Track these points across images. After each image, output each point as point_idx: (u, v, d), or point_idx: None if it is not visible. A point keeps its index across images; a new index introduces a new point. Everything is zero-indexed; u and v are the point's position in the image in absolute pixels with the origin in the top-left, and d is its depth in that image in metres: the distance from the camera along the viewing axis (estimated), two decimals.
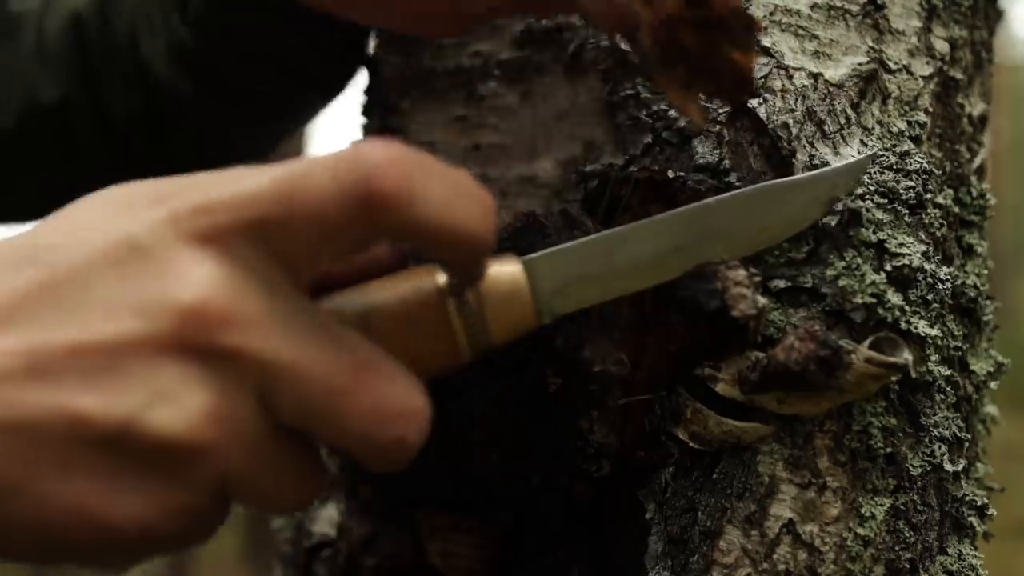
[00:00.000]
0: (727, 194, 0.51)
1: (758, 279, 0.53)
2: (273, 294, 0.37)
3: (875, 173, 0.57)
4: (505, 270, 0.45)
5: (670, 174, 0.58)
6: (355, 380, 0.38)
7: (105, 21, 0.76)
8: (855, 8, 0.61)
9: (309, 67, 0.71)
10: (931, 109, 0.62)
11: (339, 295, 0.43)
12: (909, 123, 0.61)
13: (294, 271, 0.38)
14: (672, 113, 0.59)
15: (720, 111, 0.58)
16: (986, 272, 0.64)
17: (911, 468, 0.55)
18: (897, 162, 0.58)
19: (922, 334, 0.55)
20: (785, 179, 0.53)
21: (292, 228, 0.36)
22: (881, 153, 0.57)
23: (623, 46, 0.60)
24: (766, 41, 0.59)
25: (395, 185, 0.36)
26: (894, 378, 0.54)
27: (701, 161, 0.58)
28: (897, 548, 0.54)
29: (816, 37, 0.60)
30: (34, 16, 0.79)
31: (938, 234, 0.59)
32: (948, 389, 0.57)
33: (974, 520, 0.58)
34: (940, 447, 0.56)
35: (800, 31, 0.59)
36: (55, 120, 0.77)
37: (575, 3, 0.50)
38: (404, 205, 0.36)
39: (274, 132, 0.81)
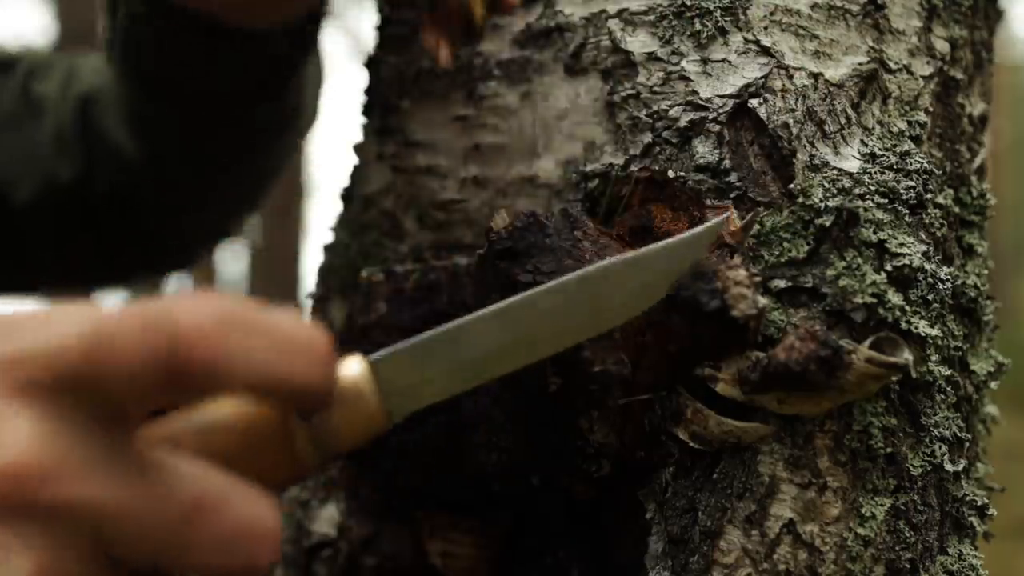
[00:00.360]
0: (567, 277, 0.49)
1: (758, 279, 0.53)
2: (95, 442, 0.35)
3: (876, 173, 0.57)
4: (350, 375, 0.43)
5: (670, 174, 0.58)
6: (193, 514, 0.36)
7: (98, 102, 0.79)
8: (855, 8, 0.61)
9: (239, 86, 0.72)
10: (931, 109, 0.62)
11: (177, 415, 0.41)
12: (909, 123, 0.61)
13: (118, 415, 0.36)
14: (672, 113, 0.59)
15: (720, 110, 0.58)
16: (986, 272, 0.64)
17: (911, 468, 0.55)
18: (897, 162, 0.58)
19: (922, 334, 0.55)
20: (626, 256, 0.51)
21: (102, 384, 0.34)
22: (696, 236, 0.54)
23: None
24: (766, 41, 0.59)
25: (204, 353, 0.35)
26: (894, 378, 0.54)
27: (701, 161, 0.58)
28: (897, 548, 0.54)
29: (816, 37, 0.60)
30: (54, 99, 0.82)
31: (938, 234, 0.59)
32: (948, 389, 0.57)
33: (974, 520, 0.58)
34: (940, 447, 0.56)
35: (800, 31, 0.59)
36: (72, 198, 0.80)
37: None
38: (219, 370, 0.35)
39: (241, 180, 0.82)
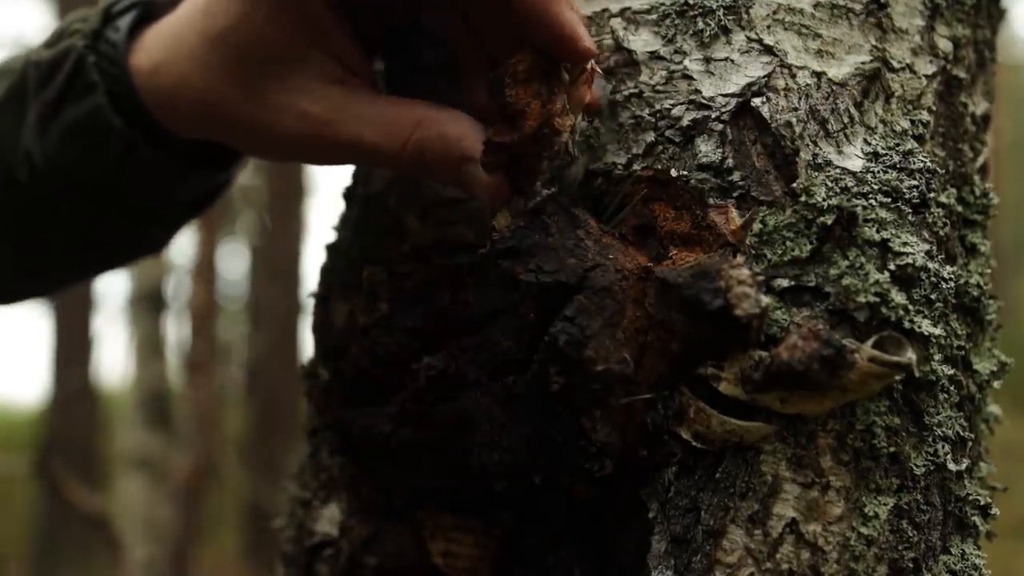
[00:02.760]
0: None
1: (761, 278, 0.53)
2: None
3: (878, 172, 0.57)
4: None
5: (673, 173, 0.58)
6: None
7: None
8: (858, 7, 0.60)
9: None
10: (934, 108, 0.62)
11: None
12: (912, 122, 0.61)
13: None
14: (675, 112, 0.59)
15: (723, 109, 0.58)
16: (989, 271, 0.63)
17: (914, 467, 0.55)
18: (900, 161, 0.58)
19: (925, 333, 0.55)
20: None
21: None
22: None
23: None
24: (769, 40, 0.59)
25: None
26: (897, 377, 0.54)
27: (704, 160, 0.58)
28: (900, 547, 0.54)
29: (819, 36, 0.60)
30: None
31: (941, 233, 0.59)
32: (951, 388, 0.57)
33: (977, 519, 0.58)
34: (943, 446, 0.56)
35: (803, 30, 0.59)
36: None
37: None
38: None
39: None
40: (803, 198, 0.56)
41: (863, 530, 0.54)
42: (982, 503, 0.58)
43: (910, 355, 0.53)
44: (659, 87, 0.60)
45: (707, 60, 0.59)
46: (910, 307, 0.54)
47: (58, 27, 0.67)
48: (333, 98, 0.54)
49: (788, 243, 0.55)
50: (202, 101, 0.57)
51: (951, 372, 0.57)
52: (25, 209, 0.68)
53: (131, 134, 0.62)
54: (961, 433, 0.57)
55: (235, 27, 0.54)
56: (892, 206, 0.56)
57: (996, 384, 0.62)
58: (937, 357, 0.56)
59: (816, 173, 0.56)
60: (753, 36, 0.59)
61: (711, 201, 0.57)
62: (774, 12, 0.59)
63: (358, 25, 0.57)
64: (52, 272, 0.76)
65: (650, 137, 0.60)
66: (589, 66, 0.53)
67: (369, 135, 0.55)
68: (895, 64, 0.61)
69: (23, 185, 0.66)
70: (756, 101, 0.57)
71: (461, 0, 0.57)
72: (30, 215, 0.69)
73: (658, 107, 0.60)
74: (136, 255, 0.75)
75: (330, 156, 0.57)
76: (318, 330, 0.69)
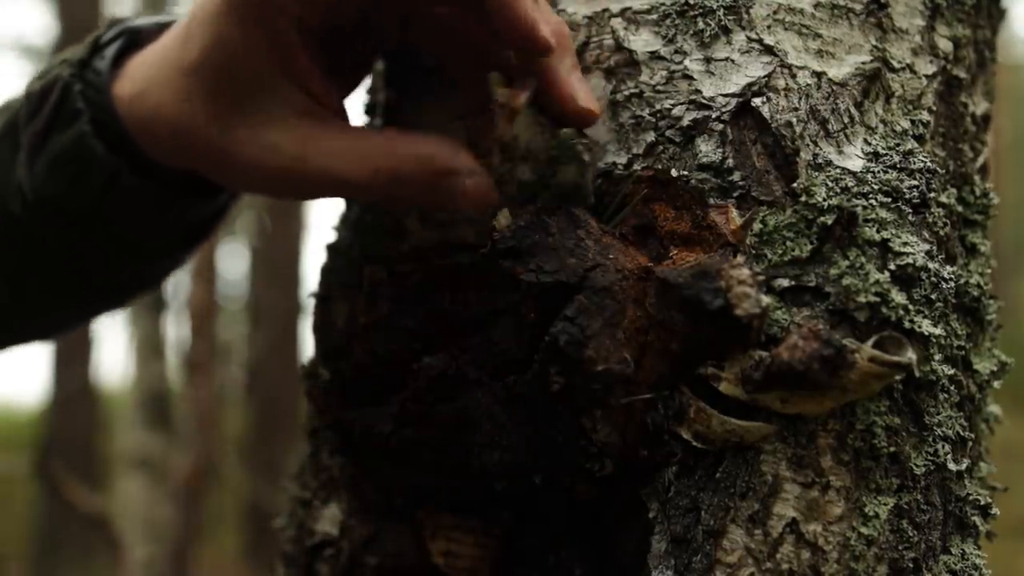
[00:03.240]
0: None
1: (761, 278, 0.53)
2: None
3: (879, 172, 0.57)
4: None
5: (673, 173, 0.58)
6: None
7: None
8: (858, 7, 0.60)
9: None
10: (934, 108, 0.62)
11: None
12: (912, 122, 0.61)
13: None
14: (675, 112, 0.59)
15: (724, 109, 0.58)
16: (989, 271, 0.63)
17: (914, 467, 0.55)
18: (901, 161, 0.58)
19: (925, 333, 0.55)
20: None
21: None
22: None
23: None
24: (769, 40, 0.59)
25: None
26: (898, 377, 0.54)
27: (704, 160, 0.58)
28: (901, 547, 0.54)
29: (820, 36, 0.60)
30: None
31: (941, 233, 0.59)
32: (951, 388, 0.57)
33: (977, 519, 0.58)
34: (943, 446, 0.56)
35: (804, 30, 0.59)
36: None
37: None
38: None
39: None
40: (803, 198, 0.56)
41: (863, 530, 0.54)
42: (982, 503, 0.58)
43: (910, 355, 0.53)
44: (659, 87, 0.60)
45: (707, 60, 0.59)
46: (910, 307, 0.55)
47: (51, 58, 0.66)
48: (301, 130, 0.54)
49: (788, 243, 0.56)
50: (175, 129, 0.57)
51: (951, 372, 0.57)
52: (20, 244, 0.68)
53: (114, 162, 0.61)
54: (961, 433, 0.57)
55: (208, 55, 0.54)
56: (892, 206, 0.56)
57: (996, 384, 0.62)
58: (937, 357, 0.56)
59: (816, 173, 0.56)
60: (753, 36, 0.59)
61: (711, 201, 0.57)
62: (774, 12, 0.59)
63: (332, 56, 0.57)
64: (50, 312, 0.75)
65: (650, 137, 0.60)
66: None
67: (338, 167, 0.54)
68: (895, 64, 0.61)
69: (16, 219, 0.66)
70: (756, 101, 0.58)
71: (435, 15, 0.58)
72: (24, 251, 0.68)
73: (658, 107, 0.60)
74: (134, 291, 0.74)
75: (299, 189, 0.57)
76: (318, 330, 0.69)
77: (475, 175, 0.54)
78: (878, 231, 0.55)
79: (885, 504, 0.54)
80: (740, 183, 0.57)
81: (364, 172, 0.54)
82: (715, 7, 0.60)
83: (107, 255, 0.67)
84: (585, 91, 0.56)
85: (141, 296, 0.76)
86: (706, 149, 0.58)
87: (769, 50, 0.59)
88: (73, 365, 6.53)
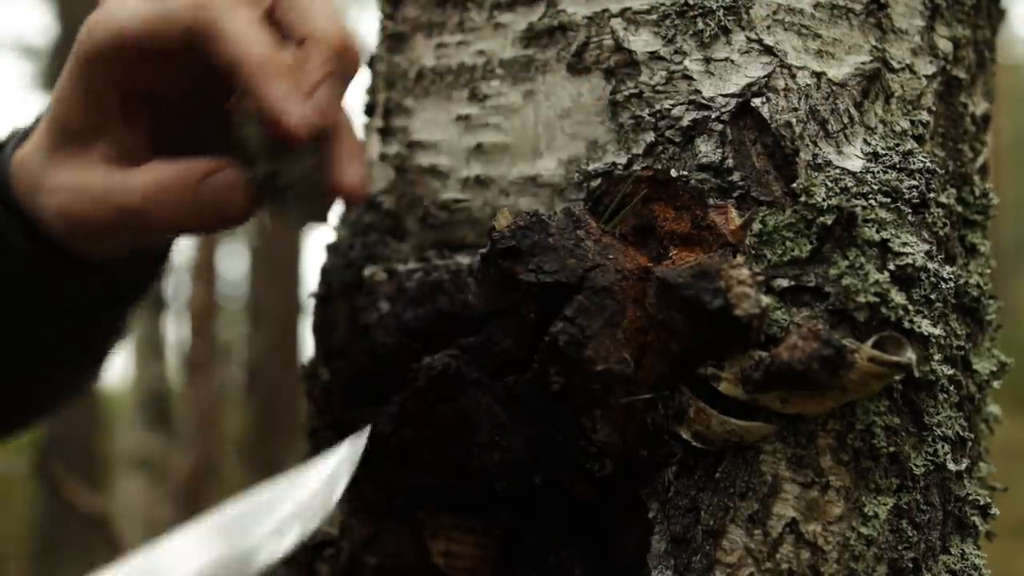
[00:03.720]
0: (200, 525, 0.49)
1: (761, 278, 0.53)
2: None
3: (878, 172, 0.57)
4: None
5: (673, 173, 0.58)
6: None
7: None
8: (858, 7, 0.61)
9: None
10: (934, 108, 0.62)
11: None
12: (912, 122, 0.61)
13: None
14: (675, 112, 0.59)
15: (723, 110, 0.58)
16: (989, 271, 0.64)
17: (914, 467, 0.55)
18: (900, 161, 0.58)
19: (925, 333, 0.55)
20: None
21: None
22: None
23: None
24: (769, 40, 0.59)
25: None
26: (897, 377, 0.54)
27: (704, 160, 0.58)
28: (900, 547, 0.54)
29: (819, 36, 0.60)
30: None
31: (941, 233, 0.59)
32: (951, 388, 0.57)
33: (977, 519, 0.58)
34: (943, 446, 0.56)
35: (803, 30, 0.59)
36: None
37: None
38: None
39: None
40: (803, 198, 0.56)
41: (863, 530, 0.54)
42: (982, 503, 0.58)
43: (910, 355, 0.53)
44: (659, 87, 0.60)
45: (707, 60, 0.59)
46: (910, 307, 0.55)
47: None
48: (113, 175, 0.58)
49: (788, 243, 0.56)
50: (27, 173, 0.61)
51: (951, 372, 0.57)
52: None
53: (6, 222, 0.63)
54: (961, 433, 0.57)
55: (54, 111, 0.59)
56: (892, 206, 0.56)
57: (996, 384, 0.62)
58: (937, 357, 0.56)
59: (816, 173, 0.56)
60: (753, 36, 0.59)
61: (711, 201, 0.57)
62: (774, 12, 0.59)
63: (150, 112, 0.59)
64: (29, 393, 0.76)
65: (650, 137, 0.60)
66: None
67: (135, 202, 0.57)
68: (895, 64, 0.61)
69: None
70: (756, 101, 0.58)
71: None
72: None
73: (658, 107, 0.60)
74: (98, 352, 0.76)
75: (111, 231, 0.59)
76: (318, 330, 0.69)
77: (228, 173, 0.56)
78: (878, 231, 0.55)
79: (885, 504, 0.54)
80: (740, 183, 0.57)
81: (147, 201, 0.57)
82: (715, 7, 0.60)
83: (42, 322, 0.68)
84: (354, 171, 0.56)
85: (109, 352, 0.78)
86: (706, 149, 0.58)
87: (769, 50, 0.59)
88: None
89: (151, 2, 0.54)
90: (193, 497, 4.06)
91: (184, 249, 6.30)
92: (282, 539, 0.48)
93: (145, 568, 0.47)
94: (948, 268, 0.57)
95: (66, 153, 0.58)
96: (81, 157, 0.58)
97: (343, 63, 0.54)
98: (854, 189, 0.56)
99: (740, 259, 0.55)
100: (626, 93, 0.61)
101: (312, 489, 0.51)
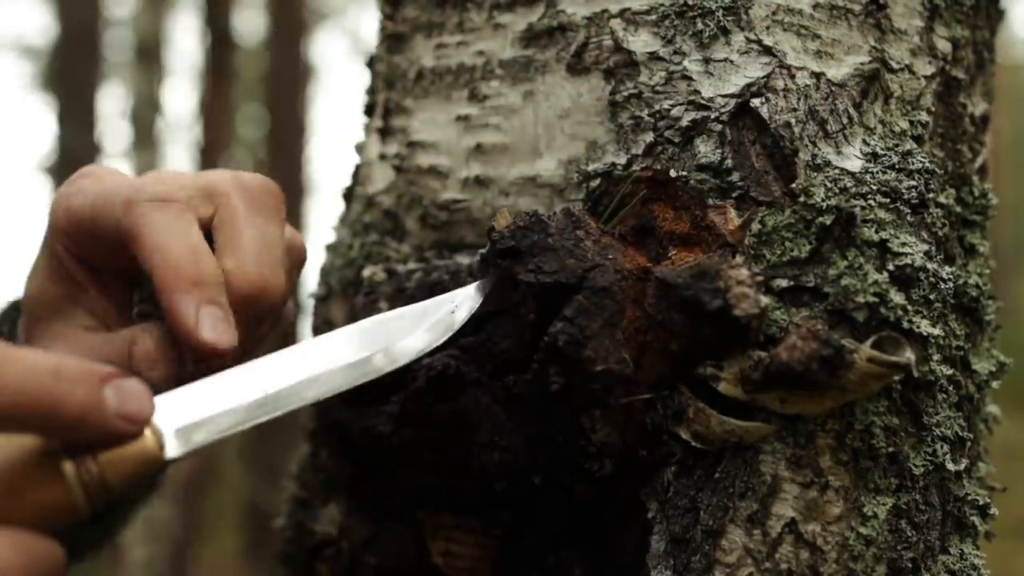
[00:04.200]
0: (347, 328, 0.54)
1: (760, 278, 0.53)
2: None
3: (877, 172, 0.57)
4: None
5: (672, 173, 0.58)
6: None
7: None
8: (857, 8, 0.61)
9: None
10: (933, 109, 0.63)
11: None
12: (911, 123, 0.61)
13: None
14: (675, 112, 0.60)
15: (722, 110, 0.58)
16: (988, 272, 0.64)
17: (913, 467, 0.55)
18: (899, 162, 0.58)
19: (924, 333, 0.55)
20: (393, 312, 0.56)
21: None
22: None
23: None
24: (768, 40, 0.59)
25: None
26: (896, 377, 0.54)
27: (703, 160, 0.58)
28: (899, 547, 0.54)
29: (818, 37, 0.60)
30: None
31: (940, 233, 0.59)
32: (950, 388, 0.57)
33: (976, 519, 0.58)
34: (942, 446, 0.56)
35: (802, 31, 0.59)
36: None
37: None
38: None
39: None
40: (802, 198, 0.56)
41: (862, 530, 0.54)
42: (981, 503, 0.58)
43: (909, 355, 0.53)
44: (658, 88, 0.60)
45: (706, 61, 0.59)
46: (909, 307, 0.55)
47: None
48: (83, 342, 0.59)
49: (787, 243, 0.56)
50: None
51: (950, 372, 0.57)
52: None
53: None
54: (960, 433, 0.57)
55: (31, 286, 0.60)
56: (891, 206, 0.56)
57: (995, 384, 0.62)
58: (936, 357, 0.56)
59: (815, 173, 0.56)
60: (752, 37, 0.59)
61: (710, 201, 0.57)
62: (773, 13, 0.59)
63: (128, 280, 0.60)
64: None
65: (649, 137, 0.60)
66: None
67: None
68: (894, 65, 0.61)
69: None
70: (755, 102, 0.58)
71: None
72: None
73: (657, 107, 0.60)
74: (91, 550, 0.78)
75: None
76: (318, 330, 0.69)
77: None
78: (877, 231, 0.55)
79: (884, 504, 0.54)
80: (739, 183, 0.57)
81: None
82: (714, 8, 0.60)
83: None
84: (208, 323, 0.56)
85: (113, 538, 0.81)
86: (705, 149, 0.58)
87: (768, 51, 0.59)
88: None
89: (103, 188, 0.56)
90: (193, 497, 4.06)
91: None
92: (417, 342, 0.55)
93: (302, 353, 0.52)
94: (947, 268, 0.57)
95: (42, 326, 0.59)
96: (55, 329, 0.59)
97: (255, 309, 0.55)
98: (853, 189, 0.56)
99: (739, 259, 0.55)
100: (625, 93, 0.61)
101: (439, 314, 0.56)
